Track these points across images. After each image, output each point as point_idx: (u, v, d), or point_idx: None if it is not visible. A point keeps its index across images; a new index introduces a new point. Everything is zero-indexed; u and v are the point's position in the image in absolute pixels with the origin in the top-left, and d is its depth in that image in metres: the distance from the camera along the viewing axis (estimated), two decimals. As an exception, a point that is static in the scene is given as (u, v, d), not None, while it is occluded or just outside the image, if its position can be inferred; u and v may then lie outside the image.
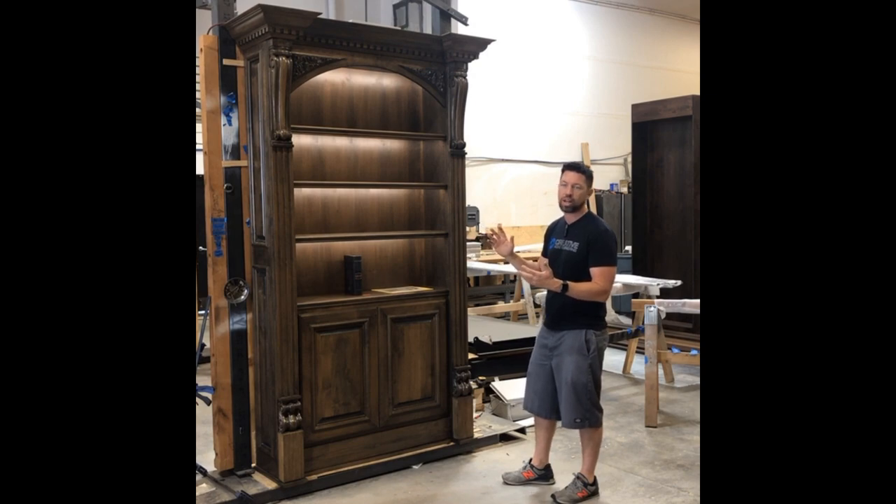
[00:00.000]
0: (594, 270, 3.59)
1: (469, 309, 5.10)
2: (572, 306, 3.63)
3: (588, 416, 3.63)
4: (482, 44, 4.22)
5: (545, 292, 3.87)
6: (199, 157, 3.90)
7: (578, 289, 3.58)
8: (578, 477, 3.72)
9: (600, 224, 3.70)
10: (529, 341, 5.09)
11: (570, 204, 3.69)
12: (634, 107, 7.71)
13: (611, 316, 8.52)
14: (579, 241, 3.64)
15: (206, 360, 3.98)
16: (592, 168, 5.19)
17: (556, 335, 3.71)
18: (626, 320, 8.05)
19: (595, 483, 3.75)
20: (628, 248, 9.00)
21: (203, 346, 3.93)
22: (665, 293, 5.98)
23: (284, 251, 3.67)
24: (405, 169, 4.43)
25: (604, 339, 3.72)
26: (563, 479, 3.85)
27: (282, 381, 3.68)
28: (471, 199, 7.19)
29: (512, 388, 4.93)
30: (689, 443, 4.52)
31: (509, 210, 10.96)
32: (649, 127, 7.56)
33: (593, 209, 11.69)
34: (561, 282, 3.57)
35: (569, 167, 3.73)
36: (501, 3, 11.10)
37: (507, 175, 11.23)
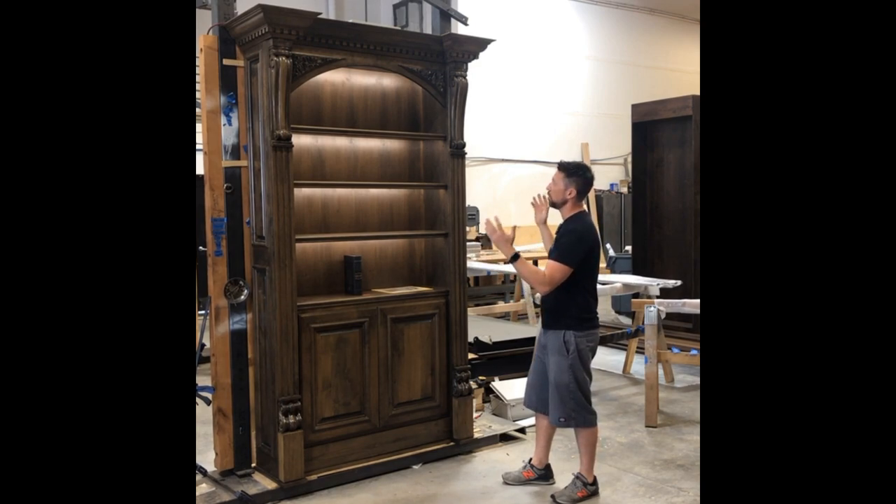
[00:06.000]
0: (547, 262, 3.65)
1: (469, 309, 5.10)
2: (554, 307, 3.67)
3: (574, 417, 3.63)
4: (482, 44, 4.23)
5: None
6: (199, 157, 3.90)
7: (522, 265, 3.66)
8: (578, 477, 3.72)
9: (575, 223, 3.69)
10: (529, 341, 5.10)
11: (548, 200, 3.82)
12: (634, 107, 7.71)
13: (611, 316, 8.54)
14: (556, 239, 3.72)
15: (206, 360, 3.98)
16: (593, 168, 5.19)
17: (545, 335, 3.76)
18: (626, 320, 8.05)
19: (595, 483, 3.75)
20: (628, 248, 9.01)
21: (203, 346, 3.93)
22: (665, 293, 5.98)
23: (284, 251, 3.67)
24: (405, 169, 4.43)
25: (587, 339, 3.65)
26: (563, 478, 3.85)
27: (282, 381, 3.68)
28: (471, 199, 7.19)
29: (512, 388, 4.93)
30: (689, 443, 4.52)
31: (509, 210, 10.96)
32: (649, 127, 7.56)
33: (593, 209, 11.69)
34: (512, 251, 3.64)
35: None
36: (501, 3, 11.11)
37: (507, 175, 11.24)
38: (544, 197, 3.89)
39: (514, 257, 3.64)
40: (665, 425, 4.88)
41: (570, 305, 3.63)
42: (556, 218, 3.77)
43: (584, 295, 3.67)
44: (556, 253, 3.62)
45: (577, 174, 3.71)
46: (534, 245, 9.85)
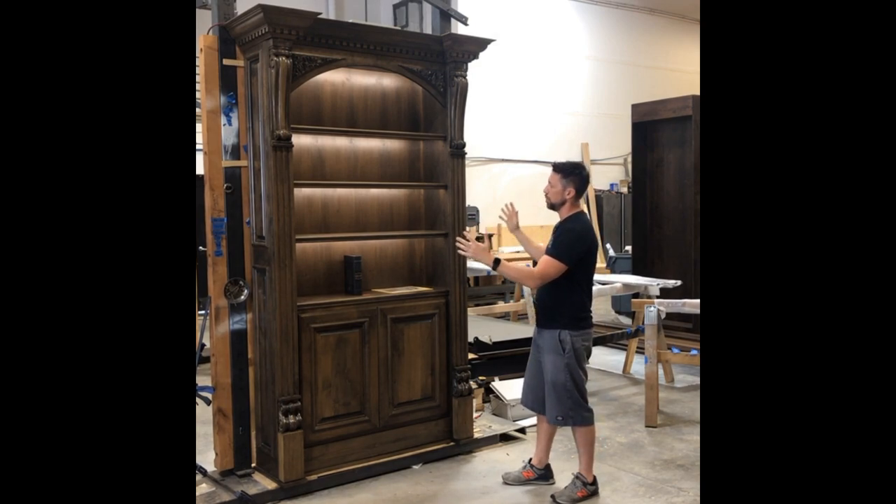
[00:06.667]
0: (542, 258, 3.66)
1: (469, 309, 5.10)
2: (550, 306, 3.69)
3: (571, 415, 3.64)
4: (482, 44, 4.23)
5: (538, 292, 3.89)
6: (199, 157, 3.90)
7: (507, 267, 3.68)
8: (578, 476, 3.72)
9: (574, 223, 3.69)
10: (529, 341, 5.07)
11: (547, 202, 3.81)
12: (634, 107, 7.71)
13: (610, 316, 8.54)
14: (553, 237, 3.72)
15: (206, 360, 3.98)
16: (592, 168, 5.18)
17: (540, 334, 3.76)
18: (626, 320, 8.05)
19: (595, 483, 3.75)
20: (628, 248, 9.01)
21: (203, 346, 3.93)
22: (665, 293, 5.98)
23: (284, 251, 3.67)
24: (405, 169, 4.43)
25: (583, 339, 3.67)
26: (562, 478, 3.85)
27: (282, 381, 3.68)
28: (471, 199, 7.17)
29: (512, 388, 4.93)
30: (689, 443, 4.52)
31: (509, 210, 10.98)
32: (649, 127, 7.56)
33: (593, 209, 11.69)
34: (493, 256, 3.65)
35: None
36: (501, 3, 11.11)
37: (507, 175, 11.23)
38: (512, 205, 4.04)
39: (497, 263, 3.63)
40: (665, 425, 4.88)
41: (566, 305, 3.64)
42: (543, 219, 3.76)
43: (580, 294, 3.67)
44: (553, 250, 3.63)
45: (573, 174, 3.71)
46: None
